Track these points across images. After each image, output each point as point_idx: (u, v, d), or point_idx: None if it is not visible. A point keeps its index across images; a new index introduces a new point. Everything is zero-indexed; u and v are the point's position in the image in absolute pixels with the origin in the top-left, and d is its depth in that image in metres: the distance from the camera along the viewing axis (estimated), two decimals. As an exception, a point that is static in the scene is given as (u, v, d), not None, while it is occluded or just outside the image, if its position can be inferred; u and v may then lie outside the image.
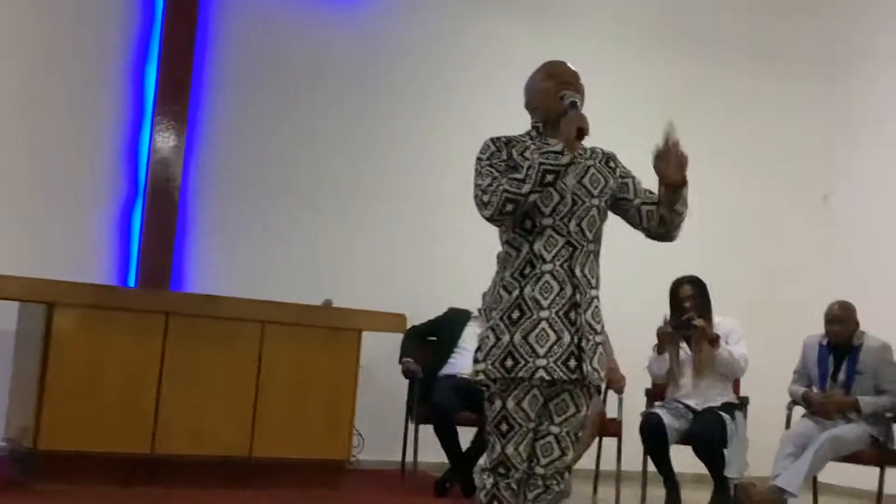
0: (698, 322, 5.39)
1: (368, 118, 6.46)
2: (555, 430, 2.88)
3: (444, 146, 6.35)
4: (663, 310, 5.53)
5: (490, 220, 2.82)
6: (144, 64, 5.94)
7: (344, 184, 6.37)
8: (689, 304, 5.45)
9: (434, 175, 6.33)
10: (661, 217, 2.92)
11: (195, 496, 4.74)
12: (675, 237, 2.98)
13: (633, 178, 3.00)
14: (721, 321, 5.50)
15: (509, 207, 2.76)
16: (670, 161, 2.82)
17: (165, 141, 5.86)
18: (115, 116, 5.89)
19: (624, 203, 2.96)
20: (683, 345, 5.53)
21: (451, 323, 5.84)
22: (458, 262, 6.24)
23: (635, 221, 2.98)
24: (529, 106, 3.02)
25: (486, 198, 2.79)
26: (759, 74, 7.52)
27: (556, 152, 2.77)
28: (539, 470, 2.88)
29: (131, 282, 5.77)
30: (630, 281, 6.10)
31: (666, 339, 5.48)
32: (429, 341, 5.87)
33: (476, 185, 2.84)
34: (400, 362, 5.68)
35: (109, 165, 5.87)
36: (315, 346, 5.25)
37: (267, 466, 5.12)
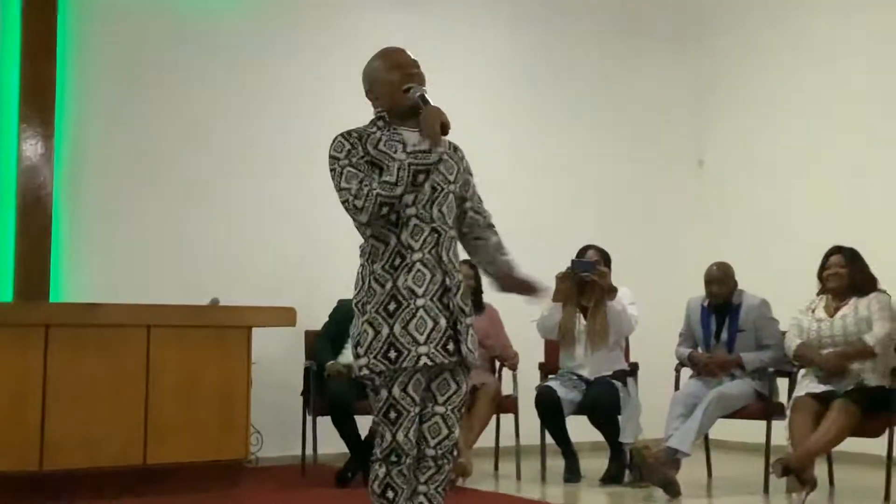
0: (601, 268, 5.50)
1: (244, 112, 6.34)
2: (440, 409, 2.92)
3: (325, 139, 6.26)
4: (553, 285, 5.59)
5: (366, 224, 2.85)
6: (5, 66, 5.71)
7: (224, 180, 6.24)
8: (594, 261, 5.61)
9: (317, 166, 6.24)
10: (478, 245, 3.10)
11: (90, 510, 4.62)
12: None
13: (473, 178, 3.07)
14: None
15: (384, 210, 2.80)
16: None
17: (33, 148, 5.65)
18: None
19: (459, 200, 3.00)
20: (579, 315, 5.62)
21: (344, 314, 5.78)
22: (345, 254, 6.16)
23: (459, 220, 3.02)
24: (371, 95, 3.02)
25: (359, 203, 2.80)
26: (626, 44, 7.64)
27: (424, 151, 2.82)
28: (429, 451, 2.91)
29: (7, 296, 5.56)
30: (519, 255, 6.16)
31: (563, 280, 5.48)
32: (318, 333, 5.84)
33: (343, 189, 2.84)
34: (325, 371, 5.51)
35: (-25, 176, 5.64)
36: (204, 346, 5.16)
37: (163, 473, 5.01)
